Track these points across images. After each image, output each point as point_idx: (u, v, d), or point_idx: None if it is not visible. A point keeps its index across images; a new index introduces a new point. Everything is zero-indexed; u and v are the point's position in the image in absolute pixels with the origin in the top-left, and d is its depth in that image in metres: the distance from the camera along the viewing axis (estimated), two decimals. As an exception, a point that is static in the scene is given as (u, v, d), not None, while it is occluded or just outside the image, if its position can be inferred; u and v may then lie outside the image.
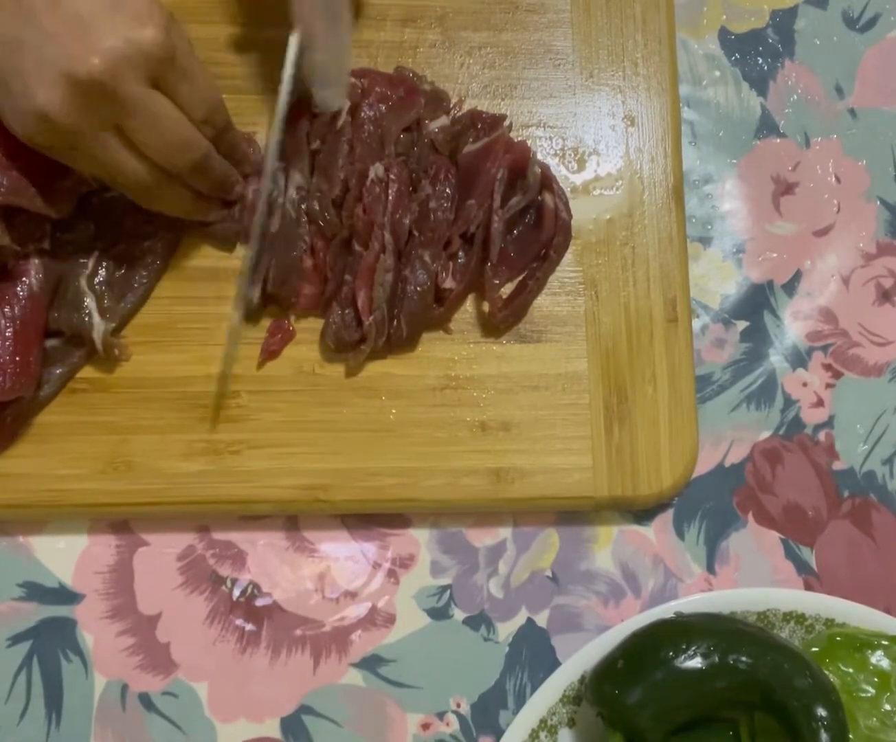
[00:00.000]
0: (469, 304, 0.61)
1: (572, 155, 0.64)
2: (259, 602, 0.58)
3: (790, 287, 0.65)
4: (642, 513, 0.61)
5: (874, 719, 0.53)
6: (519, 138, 0.63)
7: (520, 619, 0.59)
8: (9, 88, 0.50)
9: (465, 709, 0.58)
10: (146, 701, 0.57)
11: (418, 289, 0.59)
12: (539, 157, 0.63)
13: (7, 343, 0.55)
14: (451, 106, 0.63)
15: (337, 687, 0.58)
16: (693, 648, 0.51)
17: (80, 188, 0.57)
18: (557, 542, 0.60)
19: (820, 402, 0.63)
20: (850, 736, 0.51)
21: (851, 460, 0.62)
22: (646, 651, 0.52)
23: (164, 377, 0.59)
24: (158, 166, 0.54)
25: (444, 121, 0.62)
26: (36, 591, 0.58)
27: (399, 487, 0.58)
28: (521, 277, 0.61)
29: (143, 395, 0.59)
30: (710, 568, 0.60)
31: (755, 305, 0.64)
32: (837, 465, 0.62)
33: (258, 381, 0.59)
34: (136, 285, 0.59)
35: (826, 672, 0.52)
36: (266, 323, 0.60)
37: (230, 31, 0.63)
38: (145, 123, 0.52)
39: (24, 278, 0.56)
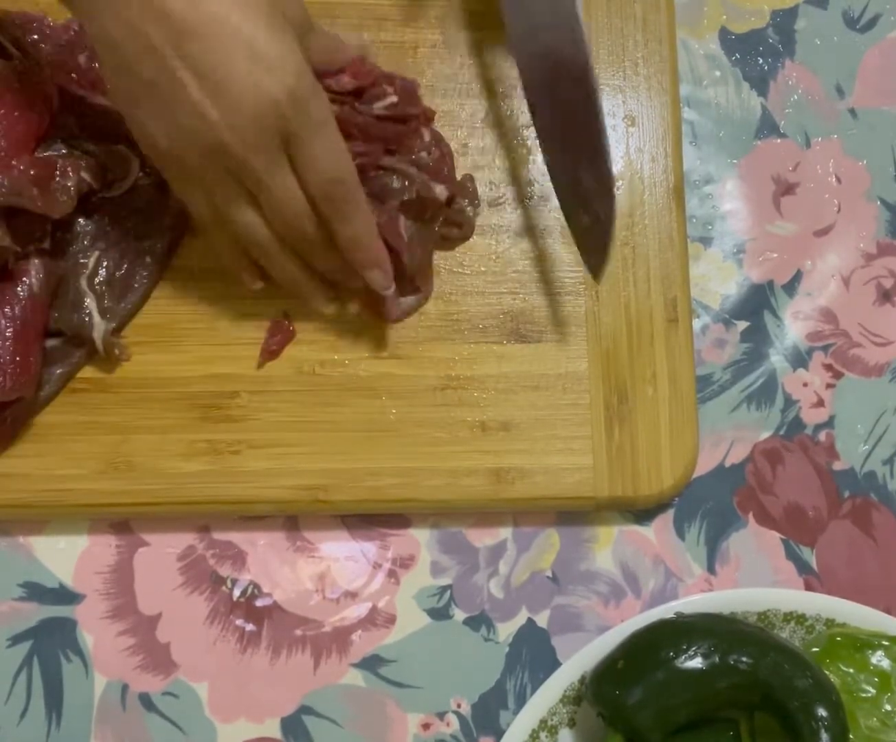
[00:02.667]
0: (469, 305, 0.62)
1: (572, 155, 0.64)
2: (259, 602, 0.58)
3: (790, 287, 0.65)
4: (642, 513, 0.61)
5: (875, 719, 0.53)
6: (520, 138, 0.63)
7: (520, 620, 0.59)
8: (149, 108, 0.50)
9: (465, 709, 0.58)
10: (146, 701, 0.57)
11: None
12: (539, 156, 0.63)
13: (7, 343, 0.55)
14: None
15: (337, 687, 0.58)
16: (693, 649, 0.51)
17: (81, 188, 0.57)
18: (558, 542, 0.60)
19: (820, 403, 0.63)
20: (851, 736, 0.51)
21: (852, 460, 0.62)
22: (646, 651, 0.52)
23: (164, 377, 0.59)
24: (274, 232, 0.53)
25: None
26: (36, 592, 0.58)
27: (399, 487, 0.58)
28: None
29: (143, 395, 0.59)
30: (711, 568, 0.60)
31: (756, 305, 0.64)
32: (838, 466, 0.62)
33: (258, 381, 0.59)
34: (136, 285, 0.59)
35: (826, 672, 0.52)
36: (266, 323, 0.60)
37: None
38: (265, 192, 0.51)
39: (24, 278, 0.56)
